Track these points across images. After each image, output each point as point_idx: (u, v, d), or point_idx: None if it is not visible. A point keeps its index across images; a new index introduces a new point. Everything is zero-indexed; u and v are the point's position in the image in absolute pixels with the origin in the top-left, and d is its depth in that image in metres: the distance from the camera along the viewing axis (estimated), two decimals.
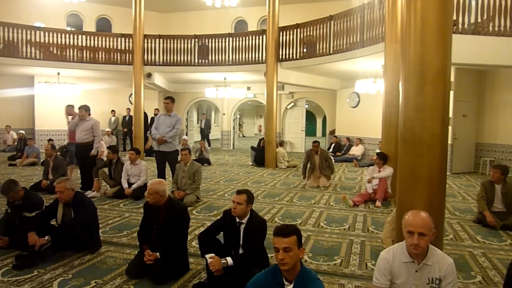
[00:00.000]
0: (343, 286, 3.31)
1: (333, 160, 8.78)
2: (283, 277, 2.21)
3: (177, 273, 3.40)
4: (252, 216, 3.22)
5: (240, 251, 3.19)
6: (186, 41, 12.45)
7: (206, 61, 12.39)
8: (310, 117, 28.04)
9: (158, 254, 3.35)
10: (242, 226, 3.18)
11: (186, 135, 15.64)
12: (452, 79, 9.35)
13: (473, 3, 7.49)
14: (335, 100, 14.88)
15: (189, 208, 5.90)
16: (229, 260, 2.96)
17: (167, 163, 6.79)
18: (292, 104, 15.78)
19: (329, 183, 8.02)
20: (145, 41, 12.30)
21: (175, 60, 12.48)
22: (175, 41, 12.49)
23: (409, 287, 2.35)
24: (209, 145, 14.36)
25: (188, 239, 4.24)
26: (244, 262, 3.01)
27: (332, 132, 15.08)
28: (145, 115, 12.80)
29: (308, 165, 8.13)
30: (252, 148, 11.76)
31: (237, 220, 3.19)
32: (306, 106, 18.43)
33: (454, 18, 7.29)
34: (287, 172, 9.96)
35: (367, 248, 4.27)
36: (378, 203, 6.26)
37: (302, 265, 2.24)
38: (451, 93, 9.35)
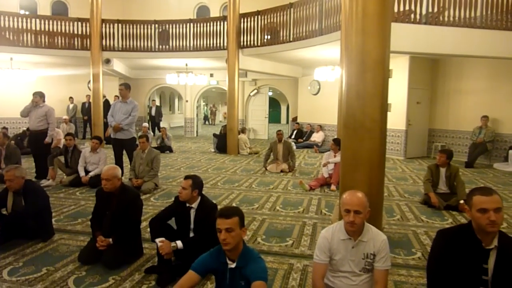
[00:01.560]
0: (292, 266, 3.46)
1: (294, 147, 9.04)
2: (227, 257, 2.31)
3: (130, 258, 3.44)
4: (202, 201, 3.30)
5: (192, 235, 3.27)
6: (146, 27, 12.18)
7: (167, 47, 12.19)
8: (275, 104, 28.26)
9: (110, 239, 3.37)
10: (192, 211, 3.26)
11: (149, 122, 15.42)
12: (406, 67, 9.80)
13: None
14: (297, 87, 15.08)
15: (147, 195, 5.93)
16: (179, 243, 3.04)
17: (124, 151, 6.72)
18: (255, 91, 15.85)
19: (289, 169, 8.21)
20: (103, 26, 11.93)
21: (135, 46, 12.20)
22: (135, 26, 12.19)
23: (346, 262, 2.52)
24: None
25: (144, 225, 4.29)
26: (194, 245, 3.09)
27: (295, 119, 15.32)
28: (107, 102, 12.50)
29: (271, 156, 8.41)
30: (214, 135, 11.78)
31: (187, 205, 3.27)
32: (271, 93, 18.57)
33: (408, 8, 7.57)
34: (248, 159, 10.09)
35: (318, 230, 4.45)
36: (333, 187, 6.49)
37: (244, 245, 2.34)
38: (406, 80, 9.85)
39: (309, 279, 3.19)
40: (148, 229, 4.04)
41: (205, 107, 27.25)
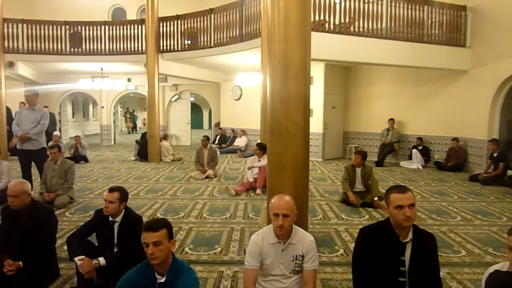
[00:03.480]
0: (222, 273, 3.43)
1: (218, 153, 9.12)
2: (155, 271, 2.20)
3: (44, 282, 3.13)
4: (126, 213, 3.12)
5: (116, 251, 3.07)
6: (55, 28, 11.27)
7: (80, 50, 11.43)
8: (196, 109, 27.98)
9: (20, 263, 3.03)
10: (116, 225, 3.07)
11: (60, 131, 14.29)
12: (322, 74, 10.32)
13: (337, 6, 8.26)
14: (219, 92, 15.11)
15: (62, 210, 5.48)
16: (102, 260, 2.84)
17: (33, 162, 6.13)
18: (177, 96, 15.57)
19: (213, 173, 8.18)
20: (5, 25, 10.83)
21: (43, 48, 11.24)
22: (42, 27, 11.22)
23: (276, 266, 2.55)
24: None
25: (60, 243, 3.96)
26: (118, 261, 2.90)
27: (217, 124, 15.31)
28: (8, 109, 11.30)
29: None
30: (137, 141, 11.30)
31: (110, 219, 3.06)
32: (192, 99, 18.33)
33: (323, 18, 7.98)
34: (172, 166, 9.83)
35: (246, 234, 4.48)
36: (258, 191, 6.59)
37: (174, 257, 2.26)
38: (322, 87, 10.38)
39: (239, 286, 3.18)
40: (65, 247, 3.73)
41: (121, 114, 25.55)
